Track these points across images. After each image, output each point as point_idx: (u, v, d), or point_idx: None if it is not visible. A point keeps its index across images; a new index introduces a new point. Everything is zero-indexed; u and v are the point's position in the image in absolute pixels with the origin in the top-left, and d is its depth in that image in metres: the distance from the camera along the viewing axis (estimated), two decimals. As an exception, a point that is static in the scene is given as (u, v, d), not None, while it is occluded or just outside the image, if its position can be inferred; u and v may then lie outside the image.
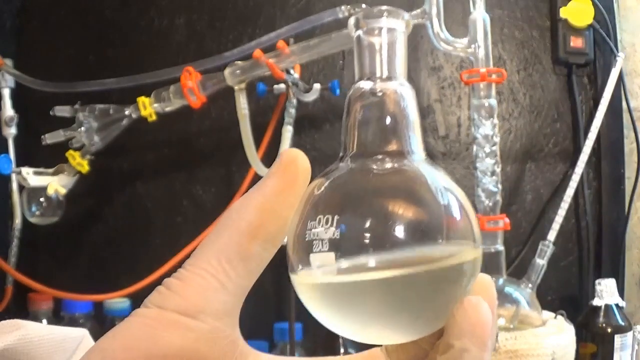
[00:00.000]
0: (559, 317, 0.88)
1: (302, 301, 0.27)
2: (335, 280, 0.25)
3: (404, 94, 0.29)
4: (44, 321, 0.95)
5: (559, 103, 1.09)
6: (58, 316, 0.97)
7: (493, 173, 0.84)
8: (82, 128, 0.96)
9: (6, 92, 1.05)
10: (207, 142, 1.11)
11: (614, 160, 1.07)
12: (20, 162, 1.01)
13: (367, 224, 0.25)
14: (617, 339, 0.86)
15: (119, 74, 0.97)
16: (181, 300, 0.24)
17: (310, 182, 0.28)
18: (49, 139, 0.97)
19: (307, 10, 1.07)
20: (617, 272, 1.03)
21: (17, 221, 1.02)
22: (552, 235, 0.91)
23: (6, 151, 1.03)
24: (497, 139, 0.84)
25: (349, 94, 0.29)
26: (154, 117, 0.94)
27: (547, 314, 0.88)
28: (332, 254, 0.25)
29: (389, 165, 0.27)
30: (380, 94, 0.28)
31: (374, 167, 0.27)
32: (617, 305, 0.89)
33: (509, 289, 0.83)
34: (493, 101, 0.84)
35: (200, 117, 1.06)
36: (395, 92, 0.28)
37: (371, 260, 0.25)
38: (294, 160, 0.27)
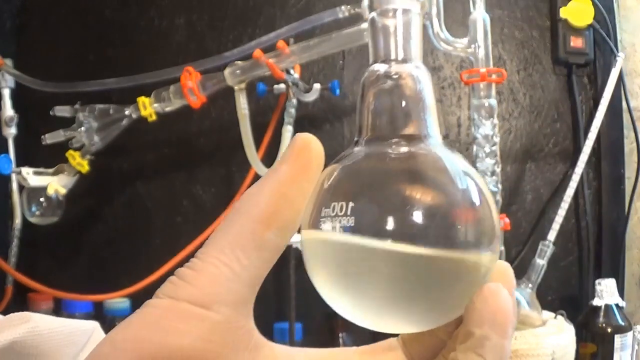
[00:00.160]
0: (559, 317, 0.88)
1: (316, 286, 0.26)
2: (348, 242, 0.24)
3: (420, 76, 0.28)
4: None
5: (559, 103, 1.09)
6: (58, 316, 0.97)
7: (493, 173, 0.84)
8: (82, 128, 0.96)
9: (6, 92, 1.05)
10: (207, 142, 1.11)
11: (614, 160, 1.07)
12: (20, 162, 1.01)
13: (383, 210, 0.24)
14: (617, 339, 0.86)
15: (119, 74, 0.97)
16: (194, 290, 0.24)
17: (325, 167, 0.27)
18: (49, 139, 0.97)
19: (307, 10, 1.07)
20: (617, 272, 1.03)
21: (17, 221, 1.02)
22: (552, 235, 0.91)
23: (6, 151, 1.03)
24: (497, 139, 0.84)
25: (364, 77, 0.28)
26: (154, 117, 0.94)
27: (547, 314, 0.88)
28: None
29: (405, 149, 0.26)
30: (395, 76, 0.28)
31: (390, 151, 0.26)
32: (617, 305, 0.89)
33: (509, 289, 0.83)
34: (493, 101, 0.84)
35: (200, 117, 1.06)
36: (411, 75, 0.28)
37: (386, 240, 0.24)
38: (307, 145, 0.26)
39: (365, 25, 0.84)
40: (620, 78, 1.00)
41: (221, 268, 0.24)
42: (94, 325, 0.43)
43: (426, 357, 0.28)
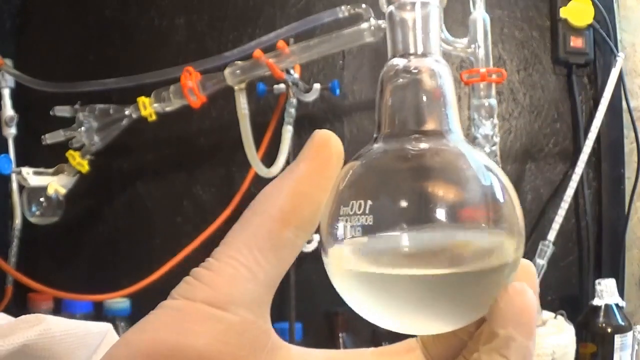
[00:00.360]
0: (559, 317, 0.88)
1: (335, 286, 0.26)
2: (371, 271, 0.24)
3: (440, 70, 0.27)
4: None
5: (559, 103, 1.09)
6: (58, 316, 0.97)
7: (493, 173, 0.84)
8: (82, 128, 0.96)
9: (6, 92, 1.05)
10: (207, 142, 1.11)
11: (614, 160, 1.07)
12: (20, 162, 1.01)
13: (403, 208, 0.23)
14: (617, 339, 0.86)
15: (119, 74, 0.97)
16: (210, 291, 0.23)
17: (344, 164, 0.26)
18: (49, 139, 0.97)
19: (307, 10, 1.07)
20: (617, 272, 1.03)
21: (17, 221, 1.02)
22: (552, 235, 0.91)
23: (6, 151, 1.03)
24: (497, 139, 0.84)
25: (382, 72, 0.28)
26: (154, 117, 0.94)
27: (547, 314, 0.88)
28: (365, 240, 0.24)
29: (425, 145, 0.25)
30: (414, 71, 0.27)
31: (410, 147, 0.25)
32: (617, 305, 0.89)
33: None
34: (493, 101, 0.84)
35: (200, 117, 1.06)
36: (431, 69, 0.27)
37: (408, 247, 0.23)
38: (326, 142, 0.25)
39: (365, 25, 0.84)
40: (620, 78, 1.00)
41: (238, 268, 0.24)
42: (107, 327, 0.42)
43: (446, 357, 0.27)
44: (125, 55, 1.11)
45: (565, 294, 1.05)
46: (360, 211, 0.24)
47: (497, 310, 0.24)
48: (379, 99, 0.27)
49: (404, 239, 0.23)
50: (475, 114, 0.83)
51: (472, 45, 0.84)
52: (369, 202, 0.24)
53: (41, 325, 0.37)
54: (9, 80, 1.04)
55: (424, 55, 0.27)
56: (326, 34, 0.87)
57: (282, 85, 0.97)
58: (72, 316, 0.95)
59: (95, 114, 0.96)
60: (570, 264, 1.07)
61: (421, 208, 0.24)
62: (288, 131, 0.98)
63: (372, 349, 0.28)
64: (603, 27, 1.05)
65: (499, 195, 0.24)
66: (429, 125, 0.26)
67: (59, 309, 0.97)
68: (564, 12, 1.05)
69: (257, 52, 0.88)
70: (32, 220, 1.00)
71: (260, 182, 1.03)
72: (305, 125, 1.06)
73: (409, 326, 0.25)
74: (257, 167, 0.94)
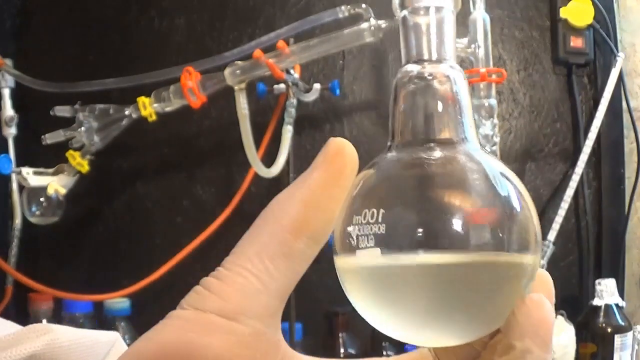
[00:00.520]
0: (559, 317, 0.88)
1: (349, 297, 0.25)
2: (386, 283, 0.23)
3: (455, 77, 0.27)
4: (44, 321, 0.95)
5: (559, 103, 1.09)
6: (58, 316, 0.97)
7: (493, 173, 0.84)
8: (82, 128, 0.96)
9: (6, 92, 1.05)
10: (207, 142, 1.11)
11: (614, 160, 1.07)
12: (20, 162, 1.01)
13: (416, 218, 0.23)
14: (617, 339, 0.86)
15: (119, 74, 0.97)
16: (220, 302, 0.23)
17: (358, 172, 0.26)
18: (49, 139, 0.97)
19: (307, 10, 1.07)
20: (617, 272, 1.03)
21: (17, 221, 1.02)
22: (552, 235, 0.91)
23: (6, 151, 1.03)
24: (497, 139, 0.84)
25: (396, 79, 0.27)
26: (154, 117, 0.94)
27: (547, 314, 0.88)
28: (377, 250, 0.23)
29: (440, 154, 0.25)
30: (429, 77, 0.26)
31: (424, 156, 0.25)
32: (617, 305, 0.89)
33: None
34: (493, 101, 0.84)
35: (200, 117, 1.06)
36: (446, 75, 0.26)
37: (422, 257, 0.23)
38: (341, 150, 0.25)
39: (365, 25, 0.84)
40: (620, 78, 1.00)
41: (249, 278, 0.23)
42: (115, 337, 0.41)
43: None
44: (125, 55, 1.11)
45: (565, 294, 1.05)
46: (373, 220, 0.24)
47: (514, 322, 0.23)
48: (392, 106, 0.27)
49: (417, 248, 0.23)
50: (475, 114, 0.83)
51: (472, 45, 0.84)
52: (382, 211, 0.23)
53: (49, 335, 0.36)
54: (9, 80, 1.04)
55: (438, 61, 0.27)
56: (326, 34, 0.87)
57: (282, 85, 0.97)
58: (72, 316, 0.95)
59: (95, 114, 0.96)
60: (570, 264, 1.07)
61: (436, 218, 0.23)
62: (288, 131, 0.98)
63: (384, 359, 0.28)
64: (603, 27, 1.05)
65: (516, 204, 0.24)
66: (444, 134, 0.26)
67: (59, 309, 0.97)
68: (564, 12, 1.05)
69: (257, 52, 0.88)
70: (32, 220, 1.00)
71: (260, 182, 1.03)
72: (305, 125, 1.06)
73: (424, 337, 0.25)
74: (257, 167, 0.94)
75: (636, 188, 1.03)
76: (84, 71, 1.07)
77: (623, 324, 0.88)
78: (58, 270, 1.11)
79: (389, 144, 0.27)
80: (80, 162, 0.97)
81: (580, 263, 1.07)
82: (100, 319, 0.97)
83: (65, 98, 0.98)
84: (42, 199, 0.99)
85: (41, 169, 1.00)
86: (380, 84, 1.08)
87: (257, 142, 0.97)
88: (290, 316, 0.92)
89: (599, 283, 0.90)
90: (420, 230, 0.23)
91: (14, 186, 1.00)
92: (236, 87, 0.91)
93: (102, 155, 0.99)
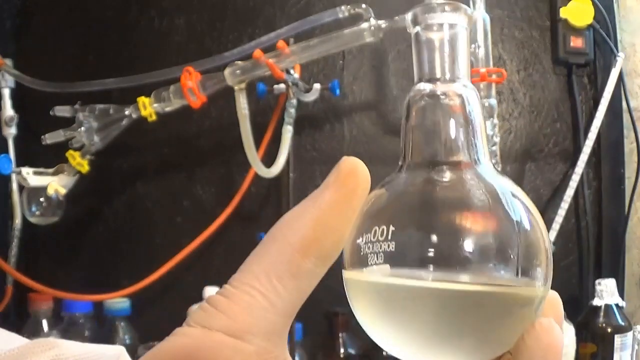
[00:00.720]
0: (559, 317, 0.87)
1: (355, 313, 0.25)
2: (395, 303, 0.23)
3: (469, 96, 0.26)
4: (44, 321, 0.95)
5: (559, 103, 1.09)
6: (58, 316, 0.97)
7: (493, 173, 0.84)
8: (82, 128, 0.96)
9: (6, 92, 1.05)
10: (207, 142, 1.11)
11: (614, 160, 1.07)
12: (20, 162, 1.01)
13: (427, 238, 0.23)
14: (617, 339, 0.86)
15: (119, 74, 0.97)
16: (227, 320, 0.23)
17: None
18: (49, 139, 0.97)
19: (307, 10, 1.07)
20: (617, 272, 1.03)
21: (17, 221, 1.02)
22: (552, 235, 0.91)
23: (6, 151, 1.03)
24: (497, 139, 0.84)
25: (408, 97, 0.27)
26: (154, 117, 0.94)
27: (547, 314, 0.88)
28: (387, 267, 0.23)
29: (452, 176, 0.25)
30: (442, 97, 0.26)
31: (436, 178, 0.25)
32: (617, 305, 0.89)
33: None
34: (493, 101, 0.84)
35: (200, 117, 1.06)
36: (459, 95, 0.26)
37: (432, 278, 0.22)
38: (353, 170, 0.25)
39: (365, 25, 0.84)
40: (620, 78, 1.00)
41: (256, 297, 0.23)
42: (119, 351, 0.41)
43: None
44: (125, 55, 1.11)
45: (565, 294, 1.05)
46: (383, 238, 0.23)
47: (523, 346, 0.23)
48: (404, 124, 0.27)
49: (428, 270, 0.23)
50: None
51: (472, 45, 0.84)
52: (392, 229, 0.23)
53: (54, 350, 0.36)
54: (9, 80, 1.04)
55: (451, 80, 0.26)
56: (326, 34, 0.87)
57: (282, 85, 0.97)
58: (72, 316, 0.95)
59: (95, 114, 0.96)
60: (570, 264, 1.07)
61: (446, 240, 0.23)
62: (288, 131, 0.98)
63: None
64: (603, 27, 1.05)
65: (528, 228, 0.24)
66: (456, 155, 0.25)
67: (59, 309, 0.97)
68: (564, 12, 1.05)
69: (257, 52, 0.88)
70: (32, 220, 1.00)
71: (260, 182, 1.03)
72: (305, 125, 1.06)
73: (429, 359, 0.25)
74: (257, 167, 0.94)
75: (636, 188, 1.03)
76: (84, 71, 1.07)
77: (623, 324, 0.88)
78: (58, 270, 1.11)
79: (400, 163, 0.26)
80: (80, 162, 0.97)
81: (580, 263, 1.07)
82: (100, 319, 0.97)
83: (65, 98, 0.98)
84: (42, 199, 0.99)
85: (41, 169, 1.00)
86: (380, 84, 1.08)
87: (257, 142, 0.96)
88: (290, 316, 0.92)
89: (599, 283, 0.90)
90: (430, 250, 0.23)
91: (14, 186, 1.00)
92: (236, 87, 0.91)
93: (102, 155, 0.99)
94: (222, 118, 1.07)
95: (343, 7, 0.87)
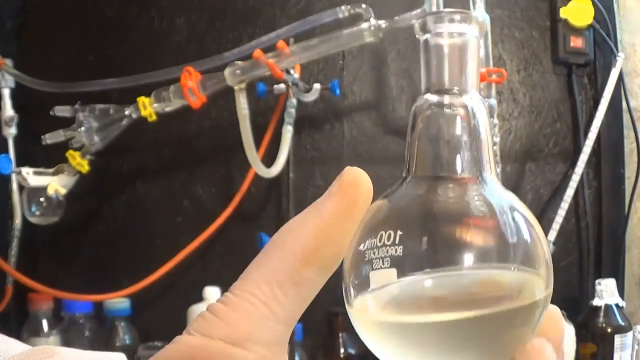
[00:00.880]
0: (559, 317, 0.87)
1: (360, 336, 0.25)
2: (397, 320, 0.23)
3: (476, 110, 0.26)
4: (44, 321, 0.95)
5: (559, 103, 1.09)
6: (58, 316, 0.97)
7: (493, 173, 0.84)
8: (82, 128, 0.96)
9: (6, 92, 1.05)
10: (207, 142, 1.11)
11: (614, 160, 1.07)
12: (20, 162, 1.01)
13: (428, 251, 0.23)
14: (617, 339, 0.86)
15: (119, 74, 0.97)
16: (227, 328, 0.23)
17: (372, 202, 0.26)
18: (49, 139, 0.97)
19: (307, 10, 1.07)
20: (617, 272, 1.03)
21: (17, 221, 1.02)
22: (552, 235, 0.91)
23: (6, 151, 1.03)
24: (497, 139, 0.84)
25: (414, 107, 0.26)
26: (154, 117, 0.94)
27: (547, 314, 0.88)
28: (394, 271, 0.23)
29: (455, 190, 0.25)
30: (448, 109, 0.26)
31: (439, 191, 0.25)
32: (617, 305, 0.89)
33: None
34: (493, 101, 0.84)
35: (200, 117, 1.06)
36: (466, 108, 0.25)
37: (435, 288, 0.23)
38: (355, 181, 0.25)
39: (365, 25, 0.84)
40: (620, 78, 1.00)
41: (256, 305, 0.23)
42: (119, 357, 0.41)
43: None
44: (125, 55, 1.11)
45: (565, 294, 1.05)
46: (390, 242, 0.24)
47: None
48: (409, 135, 0.26)
49: (429, 284, 0.23)
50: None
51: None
52: (399, 233, 0.24)
53: (53, 359, 0.35)
54: (9, 80, 1.04)
55: (460, 92, 0.26)
56: (326, 34, 0.87)
57: (282, 85, 0.97)
58: (72, 316, 0.95)
59: (95, 114, 0.96)
60: (570, 264, 1.07)
61: (447, 252, 0.23)
62: (288, 131, 0.98)
63: None
64: (603, 27, 1.05)
65: (529, 244, 0.24)
66: (460, 170, 0.25)
67: (59, 309, 0.97)
68: (564, 12, 1.05)
69: (257, 52, 0.88)
70: (32, 220, 1.00)
71: (260, 182, 1.03)
72: (305, 125, 1.06)
73: None
74: (257, 167, 0.94)
75: (636, 188, 1.03)
76: (84, 71, 1.07)
77: (623, 324, 0.88)
78: (58, 270, 1.11)
79: (403, 174, 0.26)
80: (80, 162, 0.97)
81: (580, 263, 1.07)
82: (100, 319, 0.98)
83: (65, 98, 0.98)
84: (42, 199, 0.99)
85: (41, 169, 1.00)
86: (380, 84, 1.08)
87: (257, 142, 0.97)
88: (290, 316, 0.92)
89: (599, 283, 0.90)
90: (431, 264, 0.23)
91: (14, 186, 1.00)
92: (236, 87, 0.91)
93: (102, 155, 0.99)
94: (222, 118, 1.07)
95: (343, 7, 0.87)
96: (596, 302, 0.89)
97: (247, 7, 1.10)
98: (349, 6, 0.87)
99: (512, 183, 1.07)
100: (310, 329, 0.96)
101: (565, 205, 0.92)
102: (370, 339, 0.25)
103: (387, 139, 1.07)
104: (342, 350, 0.95)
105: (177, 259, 0.99)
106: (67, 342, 0.93)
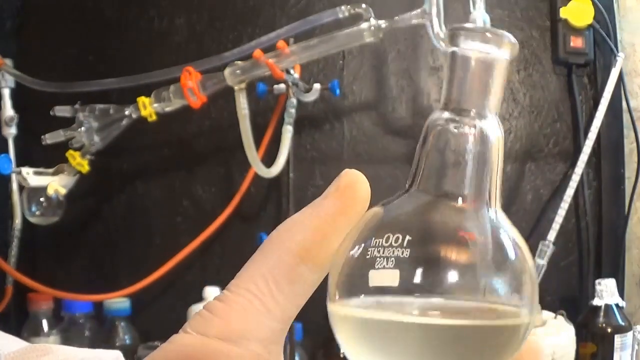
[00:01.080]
0: (559, 317, 0.88)
1: (339, 339, 0.26)
2: (380, 326, 0.24)
3: (490, 134, 0.25)
4: (44, 321, 0.95)
5: (559, 103, 1.09)
6: (58, 316, 0.97)
7: (493, 173, 0.84)
8: (82, 128, 0.96)
9: (6, 92, 1.05)
10: (207, 142, 1.11)
11: (614, 160, 1.07)
12: (20, 162, 1.01)
13: (419, 270, 0.23)
14: (617, 339, 0.86)
15: (119, 74, 0.97)
16: (223, 325, 0.23)
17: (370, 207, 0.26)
18: (49, 139, 0.97)
19: (307, 10, 1.07)
20: (617, 272, 1.03)
21: (17, 221, 1.02)
22: (552, 235, 0.91)
23: (6, 151, 1.03)
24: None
25: (429, 121, 0.26)
26: (154, 117, 0.94)
27: (547, 314, 0.88)
28: (396, 272, 0.23)
29: (452, 212, 0.25)
30: (462, 130, 0.25)
31: (437, 210, 0.25)
32: (617, 305, 0.89)
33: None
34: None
35: (200, 117, 1.06)
36: (482, 132, 0.25)
37: (418, 310, 0.23)
38: (352, 183, 0.25)
39: (365, 25, 0.84)
40: (620, 78, 1.00)
41: (252, 300, 0.23)
42: (116, 355, 0.41)
43: None
44: (125, 55, 1.11)
45: (565, 294, 1.05)
46: (397, 244, 0.24)
47: None
48: (419, 148, 0.26)
49: (414, 302, 0.23)
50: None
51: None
52: (407, 237, 0.24)
53: (49, 356, 0.35)
54: (9, 80, 1.04)
55: (477, 114, 0.25)
56: (326, 34, 0.87)
57: (282, 85, 0.97)
58: (71, 316, 0.96)
59: (95, 114, 0.96)
60: (570, 264, 1.07)
61: (431, 272, 0.23)
62: (288, 131, 0.98)
63: None
64: (603, 27, 1.05)
65: (522, 272, 0.24)
66: (464, 193, 0.25)
67: (59, 309, 0.97)
68: (564, 12, 1.05)
69: (257, 52, 0.88)
70: (32, 220, 1.00)
71: (260, 182, 1.03)
72: (305, 125, 1.06)
73: None
74: (257, 167, 0.94)
75: (636, 188, 1.03)
76: (84, 71, 1.07)
77: (623, 324, 0.88)
78: (58, 270, 1.11)
79: (407, 185, 0.26)
80: (80, 162, 0.97)
81: (580, 263, 1.07)
82: (100, 319, 0.98)
83: (65, 98, 0.98)
84: (42, 199, 0.99)
85: (41, 169, 1.00)
86: (380, 84, 1.08)
87: (257, 142, 0.97)
88: (290, 316, 0.92)
89: (599, 283, 0.90)
90: (419, 285, 0.23)
91: (14, 186, 1.00)
92: (236, 87, 0.91)
93: (102, 155, 0.99)
94: (222, 118, 1.07)
95: (343, 7, 0.87)
96: (596, 302, 0.89)
97: (247, 7, 1.10)
98: (349, 6, 0.87)
99: (512, 183, 1.07)
100: (310, 329, 0.96)
101: (565, 205, 0.92)
102: (350, 337, 0.25)
103: (387, 139, 1.07)
104: (342, 350, 0.95)
105: (177, 258, 0.99)
106: (67, 342, 0.93)
